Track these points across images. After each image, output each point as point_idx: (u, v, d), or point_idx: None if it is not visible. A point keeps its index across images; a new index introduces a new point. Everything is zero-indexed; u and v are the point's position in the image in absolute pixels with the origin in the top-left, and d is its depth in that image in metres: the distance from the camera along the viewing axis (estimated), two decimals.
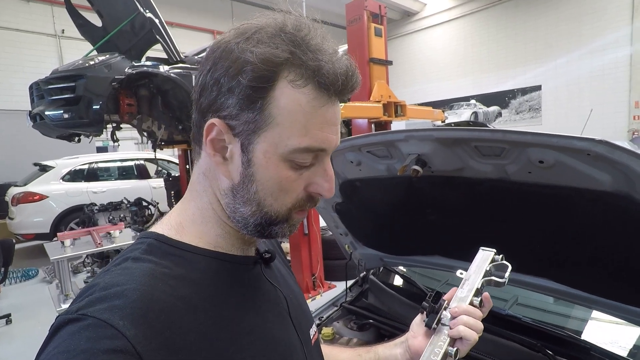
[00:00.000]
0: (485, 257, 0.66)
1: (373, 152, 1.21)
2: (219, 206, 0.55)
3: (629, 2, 9.89)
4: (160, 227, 0.56)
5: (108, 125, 4.55)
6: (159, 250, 0.51)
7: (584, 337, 1.28)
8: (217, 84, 0.49)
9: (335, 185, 1.49)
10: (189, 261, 0.51)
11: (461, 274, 0.68)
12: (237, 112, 0.49)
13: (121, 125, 4.78)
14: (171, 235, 0.54)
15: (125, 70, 3.97)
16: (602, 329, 1.37)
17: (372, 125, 3.71)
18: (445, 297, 0.68)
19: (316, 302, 4.04)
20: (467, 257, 1.38)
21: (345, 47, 4.28)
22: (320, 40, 0.50)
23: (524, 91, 12.30)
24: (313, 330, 0.68)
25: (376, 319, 1.60)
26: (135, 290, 0.44)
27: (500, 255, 0.65)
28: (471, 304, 0.62)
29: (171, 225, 0.56)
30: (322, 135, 0.49)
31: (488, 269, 0.65)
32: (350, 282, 1.88)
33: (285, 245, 5.30)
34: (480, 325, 0.63)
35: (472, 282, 0.64)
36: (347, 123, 5.06)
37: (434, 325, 0.62)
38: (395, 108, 3.73)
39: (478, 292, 0.63)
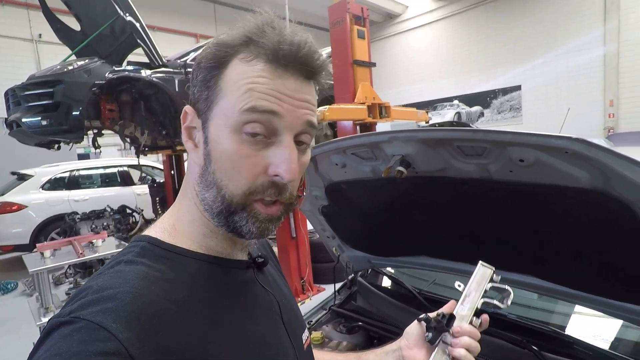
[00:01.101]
0: (484, 274, 0.66)
1: (358, 154, 1.21)
2: (199, 200, 0.54)
3: (601, 4, 10.22)
4: (154, 230, 0.56)
5: (89, 132, 4.44)
6: (152, 253, 0.51)
7: (567, 331, 1.31)
8: (193, 79, 0.53)
9: (321, 188, 1.50)
10: (182, 264, 0.51)
11: (459, 286, 0.67)
12: (199, 94, 0.51)
13: (103, 132, 4.67)
14: (164, 238, 0.54)
15: (106, 75, 3.89)
16: (584, 323, 1.40)
17: (357, 127, 3.73)
18: (444, 309, 0.68)
19: (306, 306, 4.01)
20: (453, 256, 1.40)
21: (328, 49, 4.29)
22: (282, 27, 0.51)
23: (505, 91, 12.57)
24: (305, 335, 0.68)
25: (365, 322, 1.60)
26: (128, 293, 0.44)
27: (499, 277, 0.65)
28: (471, 323, 0.62)
29: (164, 228, 0.56)
30: (270, 99, 0.48)
31: (487, 288, 0.65)
32: (338, 285, 1.88)
33: (274, 249, 5.27)
34: (478, 348, 0.64)
35: (473, 301, 0.64)
36: (333, 125, 5.07)
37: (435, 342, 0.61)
38: (380, 109, 3.76)
39: (478, 312, 0.64)
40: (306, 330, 0.69)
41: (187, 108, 0.53)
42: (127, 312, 0.42)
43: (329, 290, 4.51)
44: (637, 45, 9.72)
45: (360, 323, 1.60)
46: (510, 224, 1.05)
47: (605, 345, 1.21)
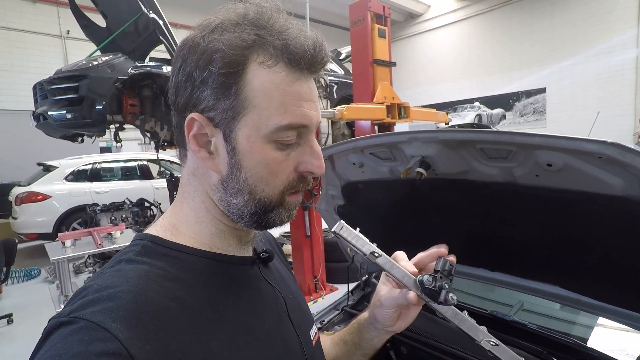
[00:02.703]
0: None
1: (376, 154, 1.19)
2: (212, 204, 0.55)
3: (636, 4, 9.81)
4: (154, 229, 0.55)
5: (111, 126, 4.55)
6: (153, 251, 0.51)
7: (590, 344, 1.25)
8: (190, 79, 0.49)
9: (337, 187, 1.48)
10: (184, 262, 0.51)
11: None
12: (214, 102, 0.49)
13: (124, 126, 4.79)
14: (166, 236, 0.54)
15: (129, 70, 3.98)
16: (608, 336, 1.34)
17: (375, 127, 3.69)
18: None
19: (318, 305, 4.01)
20: (471, 261, 1.36)
21: (348, 48, 4.26)
22: (284, 22, 0.50)
23: (529, 94, 12.25)
24: (314, 330, 0.67)
25: None
26: (129, 292, 0.43)
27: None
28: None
29: (165, 227, 0.55)
30: (301, 112, 0.49)
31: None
32: (352, 286, 1.85)
33: (287, 247, 5.28)
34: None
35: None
36: (350, 125, 5.04)
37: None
38: (399, 110, 3.71)
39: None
40: (314, 326, 0.69)
41: (196, 116, 0.49)
42: (127, 311, 0.42)
43: (342, 289, 4.49)
44: None
45: None
46: (534, 230, 1.01)
47: None
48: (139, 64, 4.13)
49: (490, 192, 1.00)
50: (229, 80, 0.48)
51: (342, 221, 0.59)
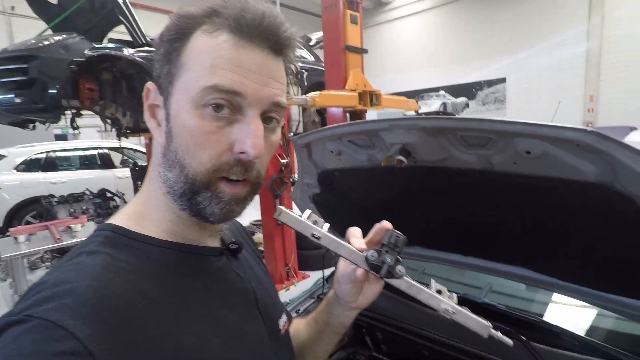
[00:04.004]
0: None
1: (354, 142, 1.17)
2: (162, 184, 0.51)
3: (587, 1, 10.33)
4: (118, 218, 0.52)
5: (67, 112, 4.25)
6: (116, 242, 0.48)
7: (555, 322, 1.32)
8: (154, 53, 0.51)
9: (313, 175, 1.46)
10: (150, 254, 0.49)
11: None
12: (161, 69, 0.49)
13: (82, 112, 4.48)
14: (130, 226, 0.51)
15: (85, 52, 3.70)
16: (571, 313, 1.42)
17: (347, 115, 3.69)
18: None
19: (290, 293, 4.02)
20: (447, 247, 1.39)
21: (319, 34, 4.20)
22: (246, 2, 0.48)
23: (490, 83, 12.68)
24: (283, 320, 0.67)
25: None
26: (89, 287, 0.41)
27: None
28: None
29: (130, 215, 0.53)
30: (234, 77, 0.45)
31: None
32: (327, 272, 1.86)
33: (259, 236, 5.23)
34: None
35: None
36: (321, 112, 5.01)
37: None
38: (371, 97, 3.72)
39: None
40: (284, 316, 0.68)
41: (150, 84, 0.51)
42: (86, 307, 0.39)
43: (314, 276, 4.52)
44: (619, 43, 9.90)
45: None
46: (509, 216, 1.04)
47: (590, 334, 1.23)
48: (96, 45, 3.85)
49: (468, 179, 1.02)
50: (171, 47, 0.48)
51: (280, 207, 0.57)
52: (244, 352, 0.52)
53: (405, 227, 1.35)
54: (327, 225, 0.59)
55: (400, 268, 0.57)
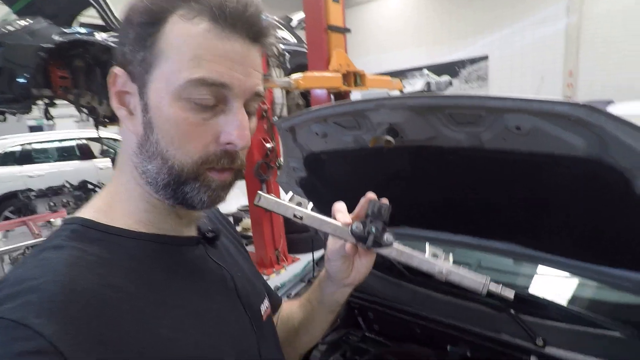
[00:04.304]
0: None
1: (340, 123, 1.14)
2: (138, 174, 0.50)
3: None
4: (86, 211, 0.50)
5: (39, 102, 4.06)
6: (84, 236, 0.46)
7: (541, 294, 1.35)
8: (120, 35, 0.48)
9: (299, 159, 1.42)
10: (121, 246, 0.48)
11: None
12: (132, 55, 0.46)
13: (55, 102, 4.29)
14: (99, 219, 0.48)
15: (53, 37, 3.50)
16: (557, 285, 1.46)
17: (332, 96, 3.63)
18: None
19: (281, 277, 4.03)
20: (434, 226, 1.39)
21: (300, 14, 4.09)
22: None
23: (473, 61, 12.67)
24: (265, 306, 0.67)
25: None
26: (55, 283, 0.40)
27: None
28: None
29: (99, 207, 0.50)
30: (219, 68, 0.45)
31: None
32: (317, 255, 1.85)
33: (247, 221, 5.20)
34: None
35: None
36: (305, 95, 4.93)
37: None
38: (355, 78, 3.66)
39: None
40: (265, 301, 0.68)
41: (117, 70, 0.48)
42: (53, 303, 0.38)
43: (304, 259, 4.55)
44: (598, 18, 9.98)
45: None
46: (498, 193, 1.03)
47: (574, 304, 1.26)
48: (65, 30, 3.64)
49: (457, 157, 1.01)
50: (146, 32, 0.45)
51: (259, 192, 0.56)
52: (224, 341, 0.52)
53: (393, 207, 1.35)
54: (310, 205, 0.59)
55: (387, 236, 0.56)
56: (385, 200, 0.59)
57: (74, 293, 0.40)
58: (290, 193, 0.59)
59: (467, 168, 1.04)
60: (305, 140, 1.30)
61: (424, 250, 0.59)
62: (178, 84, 0.44)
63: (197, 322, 0.49)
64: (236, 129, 0.47)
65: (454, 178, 1.11)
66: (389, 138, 0.97)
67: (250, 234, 4.69)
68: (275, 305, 0.82)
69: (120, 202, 0.51)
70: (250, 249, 4.66)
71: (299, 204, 0.58)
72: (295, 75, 2.95)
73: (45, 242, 0.46)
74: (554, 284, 1.41)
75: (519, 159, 0.88)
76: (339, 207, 0.63)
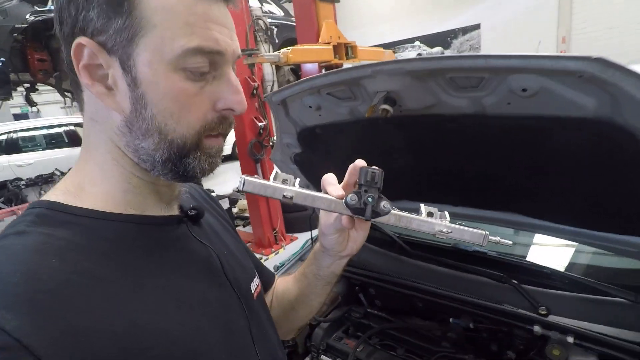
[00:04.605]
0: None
1: (334, 94, 1.08)
2: (120, 153, 0.47)
3: None
4: (53, 194, 0.46)
5: (19, 87, 3.90)
6: (52, 220, 0.42)
7: (542, 263, 1.34)
8: (73, 0, 0.42)
9: (292, 134, 1.37)
10: (93, 229, 0.44)
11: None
12: (103, 22, 0.41)
13: (37, 87, 4.13)
14: (68, 201, 0.45)
15: (27, 17, 3.32)
16: (556, 254, 1.45)
17: (323, 70, 3.52)
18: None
19: (280, 256, 4.04)
20: (434, 198, 1.35)
21: None
22: None
23: (465, 30, 12.39)
24: (255, 283, 0.66)
25: (345, 269, 1.56)
26: (16, 273, 0.37)
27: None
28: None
29: (66, 189, 0.46)
30: (211, 35, 0.43)
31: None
32: (315, 233, 1.83)
33: (243, 202, 5.17)
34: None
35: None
36: (295, 70, 4.80)
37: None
38: (346, 50, 3.54)
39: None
40: (255, 279, 0.67)
41: (84, 40, 0.42)
42: (15, 295, 0.35)
43: (302, 238, 4.55)
44: None
45: None
46: (501, 162, 0.99)
47: (575, 271, 1.25)
48: (39, 9, 3.45)
49: (458, 125, 0.96)
50: None
51: (242, 176, 0.53)
52: (208, 320, 0.49)
53: (391, 181, 1.30)
54: (298, 181, 0.55)
55: (384, 204, 0.54)
56: (375, 167, 0.56)
57: (40, 282, 0.37)
58: (275, 171, 0.55)
59: (468, 137, 0.99)
60: (299, 115, 1.23)
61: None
62: (173, 54, 0.41)
63: (178, 303, 0.47)
64: (233, 94, 0.47)
65: (454, 148, 1.07)
66: (386, 107, 0.91)
67: (247, 215, 4.67)
68: (268, 282, 0.80)
69: (94, 184, 0.48)
70: (248, 230, 4.65)
71: (285, 182, 0.54)
72: (285, 49, 2.84)
73: (6, 229, 0.43)
74: (555, 252, 1.40)
75: (523, 125, 0.83)
76: (329, 179, 0.60)
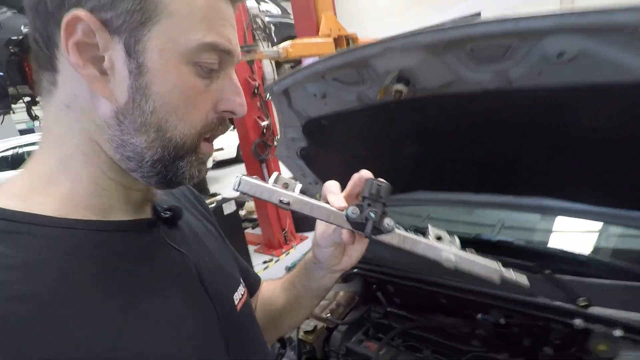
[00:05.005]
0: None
1: (340, 79, 1.00)
2: (95, 148, 0.41)
3: None
4: None
5: (20, 102, 3.87)
6: None
7: (574, 250, 1.24)
8: None
9: (297, 127, 1.28)
10: (44, 239, 0.37)
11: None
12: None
13: (37, 100, 4.10)
14: (14, 206, 0.38)
15: (22, 28, 3.28)
16: (589, 239, 1.34)
17: None
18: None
19: (291, 257, 3.98)
20: (453, 187, 1.26)
21: None
22: None
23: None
24: (239, 293, 0.59)
25: (361, 267, 1.48)
26: None
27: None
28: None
29: (12, 192, 0.39)
30: (226, 33, 0.42)
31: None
32: None
33: (250, 204, 5.10)
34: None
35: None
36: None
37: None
38: (347, 42, 3.45)
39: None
40: (241, 287, 0.60)
41: (82, 13, 0.36)
42: None
43: (312, 237, 4.46)
44: None
45: (355, 270, 1.49)
46: (528, 141, 0.90)
47: (619, 258, 1.15)
48: None
49: (479, 105, 0.87)
50: None
51: (238, 176, 0.49)
52: (179, 344, 0.43)
53: (406, 170, 1.20)
54: (299, 186, 0.51)
55: (388, 221, 0.49)
56: (382, 179, 0.51)
57: None
58: (275, 174, 0.47)
59: (491, 116, 0.90)
60: (302, 105, 1.15)
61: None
62: (188, 46, 0.39)
63: (144, 324, 0.40)
64: (237, 95, 0.45)
65: (475, 131, 0.97)
66: (400, 87, 0.83)
67: (255, 216, 4.61)
68: (253, 287, 0.75)
69: (50, 183, 0.41)
70: (257, 231, 4.59)
71: (285, 186, 0.50)
72: (284, 44, 2.76)
73: None
74: (590, 238, 1.30)
75: (556, 97, 0.74)
76: (332, 187, 0.55)
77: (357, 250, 0.60)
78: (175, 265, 0.48)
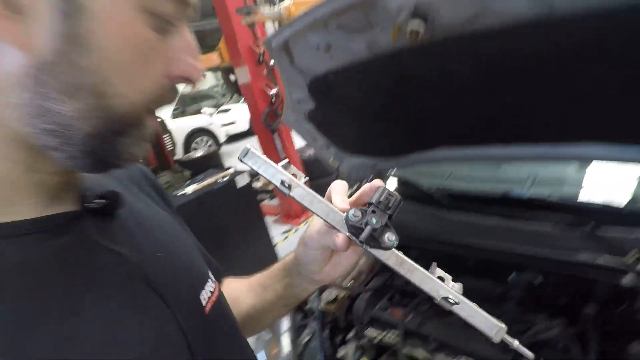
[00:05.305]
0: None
1: (345, 26, 0.87)
2: (11, 121, 0.30)
3: None
4: None
5: None
6: None
7: (621, 202, 1.12)
8: None
9: (302, 87, 1.18)
10: None
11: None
12: None
13: None
14: None
15: None
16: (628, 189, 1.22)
17: None
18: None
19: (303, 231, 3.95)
20: (481, 140, 1.14)
21: None
22: None
23: None
24: (208, 290, 0.49)
25: None
26: None
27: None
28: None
29: None
30: None
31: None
32: None
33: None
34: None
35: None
36: None
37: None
38: None
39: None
40: (209, 284, 0.50)
41: None
42: None
43: None
44: None
45: None
46: (573, 79, 0.77)
47: None
48: None
49: (512, 41, 0.73)
50: None
51: (246, 146, 0.45)
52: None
53: (426, 126, 1.08)
54: (305, 179, 0.47)
55: (389, 236, 0.44)
56: (395, 192, 0.45)
57: None
58: (285, 160, 0.40)
59: (526, 53, 0.77)
60: (306, 61, 1.04)
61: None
62: None
63: (73, 348, 0.31)
64: (193, 57, 0.36)
65: (504, 72, 0.84)
66: (416, 25, 0.70)
67: (271, 188, 4.58)
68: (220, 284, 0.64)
69: None
70: (274, 202, 4.57)
71: (294, 176, 0.46)
72: (285, 3, 2.58)
73: None
74: (634, 186, 1.17)
75: (613, 25, 0.61)
76: (338, 187, 0.48)
77: (343, 263, 0.51)
78: (108, 269, 0.38)
